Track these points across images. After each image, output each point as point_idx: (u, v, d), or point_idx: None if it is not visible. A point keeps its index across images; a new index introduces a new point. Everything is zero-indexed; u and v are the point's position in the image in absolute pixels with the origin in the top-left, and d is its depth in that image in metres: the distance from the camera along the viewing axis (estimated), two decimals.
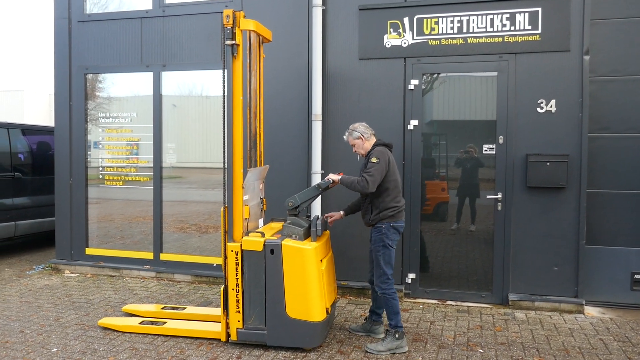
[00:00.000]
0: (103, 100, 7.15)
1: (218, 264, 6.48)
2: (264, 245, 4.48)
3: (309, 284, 4.41)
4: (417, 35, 5.87)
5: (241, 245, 4.53)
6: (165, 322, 5.00)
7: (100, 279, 6.81)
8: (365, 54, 6.01)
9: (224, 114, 4.71)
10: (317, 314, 4.44)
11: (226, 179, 4.80)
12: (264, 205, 5.40)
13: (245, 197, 4.71)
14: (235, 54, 4.61)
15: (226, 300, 4.61)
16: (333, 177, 4.74)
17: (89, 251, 7.11)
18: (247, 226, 4.79)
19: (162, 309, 5.40)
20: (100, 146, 7.14)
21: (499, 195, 5.72)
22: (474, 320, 5.31)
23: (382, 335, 4.72)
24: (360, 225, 6.01)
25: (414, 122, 5.89)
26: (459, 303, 5.81)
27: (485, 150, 5.77)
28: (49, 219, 8.50)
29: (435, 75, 5.93)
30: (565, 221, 5.58)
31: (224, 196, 4.75)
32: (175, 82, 6.78)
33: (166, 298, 5.98)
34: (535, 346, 4.63)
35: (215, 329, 4.78)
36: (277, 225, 5.14)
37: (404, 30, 5.91)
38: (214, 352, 4.45)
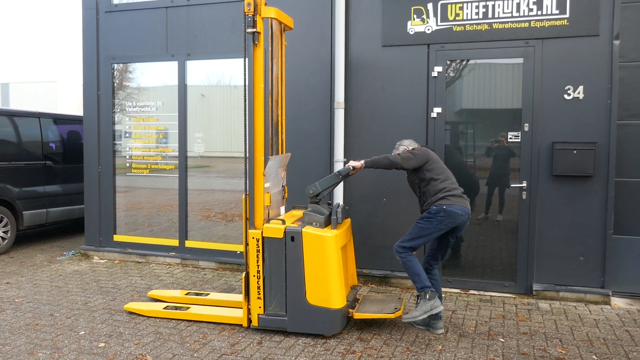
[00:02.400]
0: (130, 89, 7.27)
1: (241, 252, 6.55)
2: (285, 232, 4.51)
3: (329, 271, 4.44)
4: (441, 22, 5.79)
5: (262, 232, 4.58)
6: (188, 308, 5.09)
7: (128, 265, 6.98)
8: (388, 41, 5.96)
9: (245, 102, 4.73)
10: (337, 301, 4.47)
11: (247, 167, 4.84)
12: (286, 193, 5.43)
13: (267, 185, 4.75)
14: (256, 42, 4.62)
15: (247, 287, 4.68)
16: (353, 163, 4.72)
17: (116, 238, 7.28)
18: (269, 214, 4.82)
19: (186, 294, 5.50)
20: (127, 135, 7.27)
21: (524, 184, 5.62)
22: (496, 309, 5.26)
23: (441, 331, 4.64)
24: (382, 213, 6.02)
25: (437, 110, 5.82)
26: (481, 292, 5.76)
27: (511, 138, 5.68)
28: (79, 206, 8.72)
29: (459, 62, 5.84)
30: (592, 210, 5.46)
31: (245, 184, 4.80)
32: (203, 71, 6.83)
33: (190, 284, 6.09)
34: (558, 336, 4.56)
35: (237, 314, 4.85)
36: (298, 213, 5.16)
37: (428, 17, 5.83)
38: (235, 337, 4.52)
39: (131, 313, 5.11)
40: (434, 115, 5.83)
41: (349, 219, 5.28)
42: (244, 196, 4.78)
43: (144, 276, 6.44)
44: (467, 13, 5.72)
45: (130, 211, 7.31)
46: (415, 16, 5.86)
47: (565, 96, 5.48)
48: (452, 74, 5.88)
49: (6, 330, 4.67)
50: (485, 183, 5.86)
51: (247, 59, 4.71)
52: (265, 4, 4.70)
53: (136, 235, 7.22)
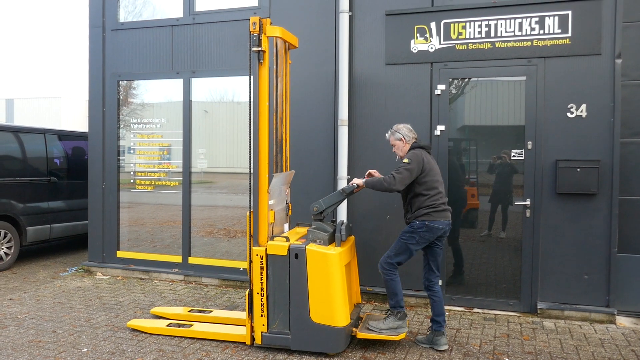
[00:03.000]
0: (135, 106, 7.32)
1: (245, 268, 6.54)
2: (289, 249, 4.51)
3: (333, 289, 4.43)
4: (444, 40, 5.84)
5: (266, 249, 4.58)
6: (192, 325, 5.08)
7: (130, 282, 6.96)
8: (391, 59, 6.01)
9: (250, 119, 4.76)
10: (341, 319, 4.45)
11: (252, 183, 4.87)
12: (290, 210, 5.44)
13: (271, 202, 4.77)
14: (261, 61, 4.68)
15: (251, 304, 4.67)
16: (357, 181, 4.79)
17: (120, 254, 7.28)
18: (273, 231, 4.84)
19: (189, 311, 5.49)
20: (132, 151, 7.31)
21: (528, 202, 5.62)
22: (501, 328, 5.22)
23: (445, 347, 4.65)
24: (386, 231, 6.02)
25: (440, 128, 5.85)
26: (486, 311, 5.73)
27: (514, 156, 5.69)
28: (83, 222, 8.74)
29: (462, 80, 5.88)
30: (596, 228, 5.45)
31: (250, 201, 4.81)
32: (206, 88, 6.90)
33: (194, 301, 6.07)
34: (563, 356, 4.53)
35: (241, 332, 4.83)
36: (302, 230, 5.18)
37: (431, 35, 5.88)
38: (238, 355, 4.50)
39: (134, 330, 5.09)
40: (437, 133, 5.86)
41: (353, 236, 5.29)
42: (248, 213, 4.79)
43: (147, 293, 6.43)
44: (469, 32, 5.78)
45: (133, 227, 7.32)
46: (418, 35, 5.92)
47: (568, 114, 5.50)
48: (455, 92, 5.91)
49: (9, 347, 4.65)
50: (488, 200, 5.87)
51: (252, 77, 4.77)
52: (271, 24, 4.76)
53: (139, 252, 7.21)
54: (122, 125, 7.32)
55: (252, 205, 4.85)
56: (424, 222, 4.56)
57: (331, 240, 4.71)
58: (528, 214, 5.63)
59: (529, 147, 5.60)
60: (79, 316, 5.51)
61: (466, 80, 5.87)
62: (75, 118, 49.55)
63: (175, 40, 6.90)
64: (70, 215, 8.74)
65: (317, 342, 4.48)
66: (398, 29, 5.97)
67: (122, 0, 7.25)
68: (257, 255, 4.60)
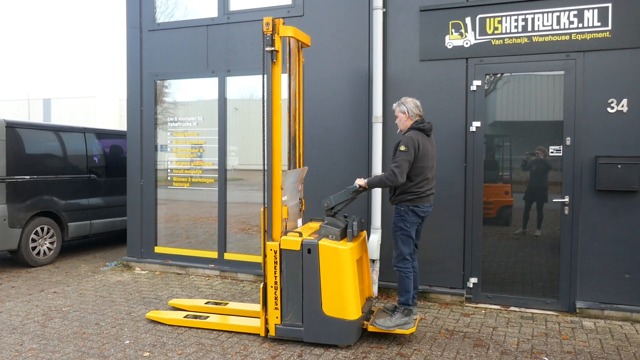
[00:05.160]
0: (171, 105, 7.47)
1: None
2: (302, 244, 4.63)
3: (344, 283, 4.53)
4: (479, 35, 5.78)
5: (280, 244, 4.70)
6: (208, 317, 5.22)
7: (168, 277, 7.12)
8: (426, 55, 5.98)
9: (263, 117, 4.86)
10: (353, 313, 4.56)
11: (265, 180, 4.98)
12: (303, 206, 5.56)
13: (284, 198, 4.87)
14: (274, 60, 4.77)
15: (265, 297, 4.79)
16: (359, 182, 4.87)
17: (157, 249, 7.44)
18: (286, 226, 4.95)
19: (206, 304, 5.65)
20: (168, 149, 7.46)
21: (566, 199, 5.53)
22: (538, 327, 5.16)
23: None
24: (427, 231, 5.98)
25: (476, 124, 5.80)
26: (522, 309, 5.67)
27: (552, 152, 5.60)
28: (121, 218, 8.96)
29: (498, 76, 5.82)
30: (638, 226, 5.32)
31: (264, 197, 4.94)
32: (237, 86, 6.98)
33: (230, 296, 6.17)
34: (604, 356, 4.45)
35: (255, 324, 4.97)
36: (315, 225, 5.29)
37: (466, 31, 5.83)
38: (275, 350, 4.56)
39: (171, 325, 5.20)
40: (472, 129, 5.81)
41: (364, 231, 5.33)
42: (262, 209, 4.91)
43: (184, 288, 6.56)
44: (505, 27, 5.71)
45: (168, 223, 7.47)
46: (453, 30, 5.87)
47: (609, 109, 5.38)
48: (491, 88, 5.85)
49: (55, 338, 4.83)
50: (523, 197, 5.79)
51: (265, 76, 4.86)
52: (284, 24, 4.85)
53: (176, 247, 7.36)
54: (158, 124, 7.47)
55: (266, 201, 4.95)
56: (407, 206, 4.75)
57: (343, 235, 4.79)
58: (566, 212, 5.54)
59: (568, 143, 5.51)
60: (120, 309, 5.67)
61: (502, 75, 5.80)
62: (109, 117, 50.66)
63: (211, 39, 7.01)
64: (109, 211, 8.97)
65: (329, 334, 4.59)
66: (432, 24, 5.94)
67: (157, 1, 7.40)
68: (271, 250, 4.72)
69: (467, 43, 5.84)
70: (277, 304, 4.71)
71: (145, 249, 7.52)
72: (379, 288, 6.13)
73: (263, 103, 4.87)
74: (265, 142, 4.90)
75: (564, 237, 5.56)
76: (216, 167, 7.09)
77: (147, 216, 7.48)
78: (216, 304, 5.63)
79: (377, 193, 6.03)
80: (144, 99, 7.46)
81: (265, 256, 4.78)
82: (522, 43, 5.64)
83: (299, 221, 5.44)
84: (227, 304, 5.62)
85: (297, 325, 4.67)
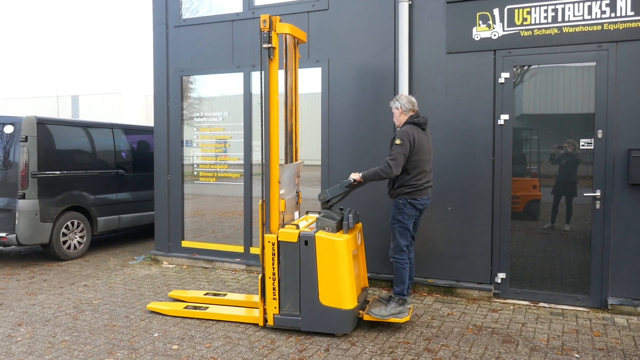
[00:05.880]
0: (196, 100, 7.52)
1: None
2: (299, 236, 4.76)
3: (341, 273, 4.67)
4: (507, 27, 5.68)
5: (277, 236, 4.83)
6: (207, 307, 5.36)
7: (195, 270, 7.19)
8: (453, 47, 5.90)
9: (261, 112, 4.94)
10: (349, 302, 4.69)
11: (263, 174, 5.05)
12: (300, 199, 5.70)
13: (282, 191, 5.00)
14: (271, 57, 4.85)
15: (263, 288, 4.92)
16: (354, 176, 4.98)
17: (184, 244, 7.52)
18: (284, 219, 5.07)
19: (205, 294, 5.79)
20: (194, 144, 7.52)
21: (598, 193, 5.41)
22: (569, 323, 5.07)
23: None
24: (448, 222, 5.94)
25: (504, 117, 5.70)
26: (552, 305, 5.57)
27: (583, 145, 5.48)
28: (148, 213, 9.08)
29: (527, 68, 5.71)
30: None
31: (262, 190, 5.01)
32: (258, 81, 6.97)
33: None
34: (638, 354, 4.35)
35: (253, 314, 5.13)
36: (311, 218, 5.45)
37: (494, 22, 5.73)
38: (302, 344, 4.57)
39: (200, 319, 5.26)
40: (501, 122, 5.72)
41: (360, 223, 5.42)
42: (260, 202, 5.01)
43: (211, 282, 6.62)
44: (535, 17, 5.59)
45: (195, 218, 7.54)
46: (480, 22, 5.78)
47: None
48: (519, 80, 5.75)
49: (86, 330, 4.92)
50: (551, 191, 5.68)
51: (262, 72, 4.97)
52: (280, 21, 4.94)
53: (202, 242, 7.43)
54: (185, 120, 7.54)
55: (264, 194, 5.01)
56: (405, 199, 4.89)
57: (339, 227, 4.88)
58: (598, 206, 5.42)
59: (599, 135, 5.38)
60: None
61: (531, 67, 5.69)
62: (135, 113, 51.40)
63: (236, 34, 7.03)
64: (137, 206, 9.10)
65: (325, 323, 4.72)
66: (459, 16, 5.85)
67: None
68: (269, 242, 4.84)
69: (494, 35, 5.74)
70: (275, 295, 4.85)
71: (172, 243, 7.61)
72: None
73: (261, 99, 4.99)
74: (263, 137, 5.01)
75: (595, 232, 5.44)
76: (242, 162, 7.13)
77: (174, 211, 7.56)
78: (215, 295, 5.79)
79: None
80: (171, 95, 7.53)
81: (263, 248, 4.91)
82: (552, 34, 5.53)
83: (296, 214, 5.57)
84: (225, 295, 5.78)
85: (294, 315, 4.80)
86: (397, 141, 4.79)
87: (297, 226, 4.90)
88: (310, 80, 6.67)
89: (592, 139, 5.42)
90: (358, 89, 6.31)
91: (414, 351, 4.42)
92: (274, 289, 4.85)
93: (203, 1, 7.41)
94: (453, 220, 5.95)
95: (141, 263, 7.71)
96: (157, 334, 4.82)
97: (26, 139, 7.38)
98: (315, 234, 4.73)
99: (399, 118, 5.07)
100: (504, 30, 5.70)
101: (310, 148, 6.82)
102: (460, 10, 5.84)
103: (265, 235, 4.89)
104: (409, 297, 5.07)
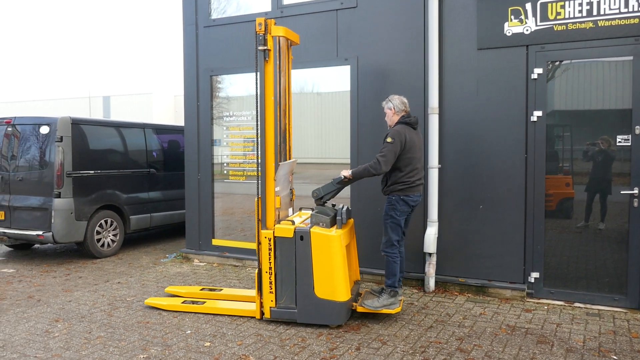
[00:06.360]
0: (224, 100, 7.59)
1: None
2: (295, 232, 4.93)
3: (335, 267, 4.84)
4: (540, 21, 5.57)
5: (274, 232, 4.99)
6: (205, 302, 5.51)
7: (226, 268, 7.26)
8: (484, 43, 5.81)
9: (257, 112, 5.08)
10: (343, 295, 4.88)
11: (259, 172, 5.18)
12: (293, 196, 5.91)
13: (277, 189, 5.15)
14: (267, 58, 5.02)
15: (260, 282, 5.08)
16: (344, 173, 5.17)
17: (215, 242, 7.60)
18: (279, 215, 5.22)
19: (201, 290, 5.95)
20: (224, 143, 7.59)
21: (636, 191, 5.26)
22: (605, 324, 4.95)
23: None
24: (479, 221, 5.87)
25: (537, 113, 5.60)
26: (588, 306, 5.45)
27: (619, 142, 5.34)
28: (179, 211, 9.19)
29: (560, 63, 5.59)
30: None
31: (258, 188, 5.17)
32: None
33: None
34: None
35: (250, 308, 5.27)
36: (305, 214, 5.60)
37: (526, 17, 5.63)
38: (333, 342, 4.58)
39: (232, 316, 5.30)
40: (534, 119, 5.61)
41: (352, 219, 5.59)
42: (256, 199, 5.17)
43: (241, 279, 6.68)
44: (569, 11, 5.47)
45: (224, 216, 7.61)
46: (512, 17, 5.68)
47: None
48: (552, 75, 5.63)
49: (120, 326, 5.02)
50: (585, 189, 5.56)
51: (258, 74, 5.13)
52: (275, 24, 5.09)
53: (232, 240, 7.49)
54: (215, 119, 7.61)
55: (259, 191, 5.14)
56: (398, 196, 5.04)
57: (333, 223, 5.02)
58: (636, 204, 5.27)
59: (637, 132, 5.23)
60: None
61: (565, 62, 5.57)
62: (164, 112, 52.06)
63: None
64: (168, 204, 9.23)
65: (320, 315, 4.89)
66: (490, 11, 5.76)
67: None
68: (265, 237, 5.00)
69: (527, 30, 5.63)
70: (271, 288, 5.00)
71: (203, 241, 7.69)
72: (436, 282, 6.04)
73: (256, 99, 5.10)
74: (259, 136, 5.14)
75: (634, 231, 5.30)
76: None
77: (204, 209, 7.65)
78: (211, 290, 5.95)
79: (434, 186, 5.93)
80: (201, 95, 7.61)
81: (259, 244, 5.05)
82: (586, 28, 5.40)
83: (290, 210, 5.75)
84: (221, 289, 5.93)
85: (291, 307, 4.97)
86: (389, 139, 4.96)
87: (293, 222, 5.05)
88: (339, 79, 6.67)
89: (630, 135, 5.28)
90: (388, 87, 6.27)
91: (446, 351, 4.38)
92: (270, 282, 5.00)
93: (230, 1, 7.47)
94: (484, 219, 5.87)
95: (173, 261, 7.82)
96: (189, 331, 4.88)
97: (61, 139, 7.55)
98: (311, 230, 4.89)
99: (392, 118, 5.23)
100: (536, 25, 5.59)
101: (339, 146, 6.82)
102: (491, 6, 5.75)
103: (262, 231, 5.05)
104: (400, 289, 5.24)
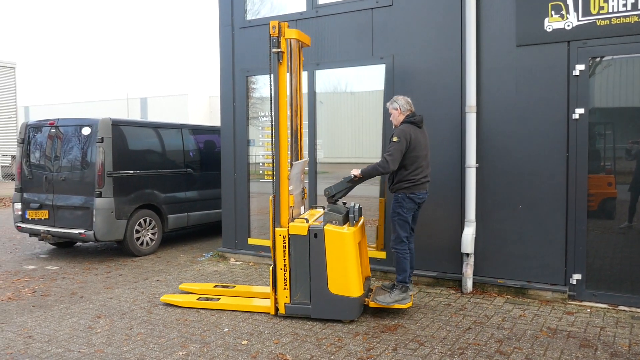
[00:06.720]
0: (258, 100, 7.64)
1: (382, 259, 6.53)
2: (309, 229, 5.03)
3: (348, 263, 4.95)
4: (582, 16, 5.42)
5: (288, 230, 5.09)
6: (219, 299, 5.60)
7: (261, 267, 7.32)
8: (523, 40, 5.69)
9: (271, 113, 5.22)
10: (356, 290, 5.00)
11: (274, 171, 5.26)
12: (305, 194, 6.03)
13: (290, 187, 5.23)
14: (280, 60, 5.13)
15: (275, 279, 5.17)
16: (354, 172, 5.30)
17: (250, 241, 7.66)
18: (292, 213, 5.28)
19: (215, 287, 6.04)
20: (259, 143, 7.65)
21: None
22: None
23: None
24: (519, 221, 5.75)
25: (579, 111, 5.45)
26: (633, 309, 5.27)
27: None
28: (215, 210, 9.32)
29: (602, 59, 5.42)
30: None
31: (273, 187, 5.27)
32: (321, 79, 7.02)
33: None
34: None
35: (264, 304, 5.38)
36: (317, 212, 5.70)
37: (568, 12, 5.48)
38: (370, 343, 4.56)
39: (268, 314, 5.34)
40: (575, 116, 5.46)
41: (363, 217, 5.67)
42: (271, 197, 5.27)
43: None
44: (612, 5, 5.30)
45: (260, 216, 7.66)
46: (553, 12, 5.55)
47: None
48: (593, 72, 5.47)
49: (160, 324, 5.11)
50: (628, 189, 5.38)
51: (272, 75, 5.23)
52: (288, 27, 5.20)
53: (268, 239, 7.53)
54: (250, 119, 7.67)
55: (274, 190, 5.25)
56: (404, 194, 5.15)
57: (345, 220, 5.12)
58: None
59: None
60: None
61: (608, 58, 5.40)
62: (200, 113, 52.91)
63: None
64: (204, 204, 9.37)
65: (334, 310, 5.00)
66: (530, 7, 5.63)
67: None
68: (280, 235, 5.11)
69: (568, 25, 5.49)
70: (286, 285, 5.10)
71: (239, 240, 7.77)
72: (474, 283, 5.95)
73: (271, 101, 5.22)
74: (273, 137, 5.24)
75: None
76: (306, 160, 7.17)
77: (240, 209, 7.72)
78: (224, 286, 6.04)
79: (471, 186, 5.84)
80: (236, 95, 7.68)
81: (274, 241, 5.15)
82: (631, 22, 5.22)
83: (302, 209, 5.82)
84: (234, 286, 6.02)
85: (305, 303, 5.07)
86: (395, 138, 5.06)
87: (306, 220, 5.16)
88: (374, 78, 6.64)
89: None
90: (423, 86, 6.21)
91: (485, 353, 4.30)
92: (285, 279, 5.10)
93: (265, 2, 7.52)
94: (524, 219, 5.75)
95: (209, 260, 7.93)
96: (227, 329, 4.94)
97: (102, 140, 7.74)
98: (324, 227, 4.99)
99: (397, 118, 5.31)
100: (578, 20, 5.44)
101: (373, 146, 6.80)
102: (531, 1, 5.62)
103: (276, 228, 5.15)
104: (411, 285, 5.31)
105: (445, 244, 6.12)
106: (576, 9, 5.44)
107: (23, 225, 8.38)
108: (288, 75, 5.34)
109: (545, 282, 5.67)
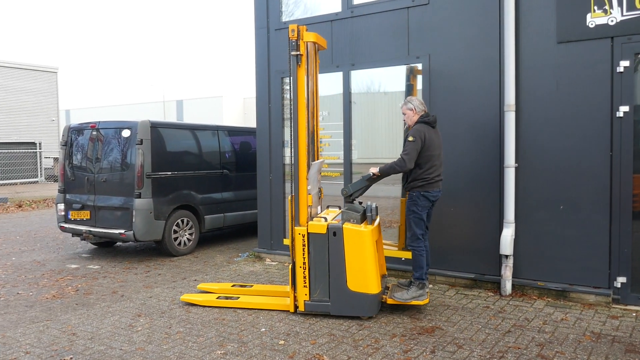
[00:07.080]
0: (287, 101, 7.63)
1: (407, 258, 6.49)
2: (327, 228, 5.13)
3: (367, 261, 5.05)
4: (627, 11, 5.25)
5: (307, 228, 5.17)
6: (238, 297, 5.71)
7: None
8: (564, 36, 5.55)
9: (290, 115, 5.32)
10: (374, 287, 5.09)
11: (293, 171, 5.37)
12: (322, 194, 6.16)
13: (309, 187, 5.32)
14: (299, 63, 5.23)
15: (294, 277, 5.28)
16: (373, 170, 5.38)
17: (286, 242, 7.69)
18: (310, 212, 5.37)
19: (232, 286, 6.16)
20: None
21: None
22: None
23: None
24: (560, 223, 5.62)
25: (624, 109, 5.28)
26: None
27: None
28: (250, 211, 9.40)
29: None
30: None
31: (292, 187, 5.38)
32: (354, 80, 7.00)
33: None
34: None
35: (283, 302, 5.47)
36: (333, 211, 5.84)
37: (611, 7, 5.32)
38: (407, 345, 4.51)
39: (306, 314, 5.36)
40: (620, 114, 5.30)
41: (379, 215, 5.73)
42: (289, 197, 5.40)
43: None
44: None
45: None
46: (595, 7, 5.39)
47: None
48: (638, 68, 5.29)
49: (198, 323, 5.19)
50: None
51: (291, 78, 5.29)
52: (307, 30, 5.29)
53: None
54: (286, 120, 7.71)
55: (293, 190, 5.35)
56: (419, 192, 5.26)
57: (362, 219, 5.20)
58: None
59: None
60: None
61: None
62: (234, 114, 53.58)
63: (335, 34, 7.07)
64: (240, 205, 9.46)
65: (353, 307, 5.10)
66: (571, 3, 5.49)
67: (283, 1, 7.61)
68: (299, 234, 5.19)
69: (612, 20, 5.33)
70: (305, 283, 5.19)
71: (274, 241, 7.81)
72: (513, 285, 5.83)
73: (290, 103, 5.33)
74: (292, 138, 5.32)
75: None
76: (341, 160, 7.17)
77: (276, 209, 7.76)
78: (242, 286, 6.16)
79: (510, 186, 5.73)
80: (272, 96, 7.73)
81: (293, 240, 5.24)
82: None
83: (319, 208, 5.94)
84: (252, 286, 6.13)
85: (324, 300, 5.16)
86: (410, 138, 5.18)
87: (325, 219, 5.25)
88: (397, 78, 6.60)
89: None
90: (461, 84, 6.12)
91: (526, 357, 4.21)
92: (304, 277, 5.19)
93: (298, 4, 7.54)
94: (565, 220, 5.61)
95: (245, 260, 8.00)
96: (264, 329, 4.98)
97: (141, 142, 7.90)
98: (343, 226, 5.09)
99: (412, 118, 5.40)
100: (622, 15, 5.28)
101: None
102: None
103: (295, 227, 5.23)
104: (427, 281, 5.38)
105: (483, 245, 6.02)
106: (620, 4, 5.28)
107: (66, 226, 8.63)
108: (305, 77, 5.39)
109: (588, 285, 5.52)
